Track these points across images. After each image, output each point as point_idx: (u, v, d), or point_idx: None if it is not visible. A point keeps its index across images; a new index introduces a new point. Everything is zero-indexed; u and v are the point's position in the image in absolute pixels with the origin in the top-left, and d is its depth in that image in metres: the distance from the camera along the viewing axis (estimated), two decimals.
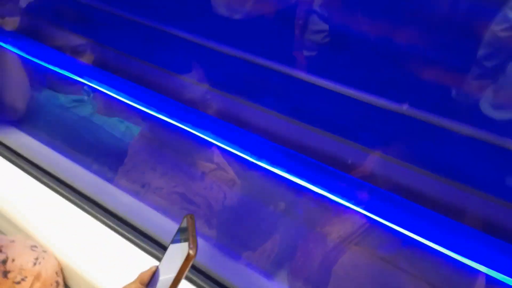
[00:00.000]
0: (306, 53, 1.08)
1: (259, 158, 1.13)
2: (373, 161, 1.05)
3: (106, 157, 1.35)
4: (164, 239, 1.07)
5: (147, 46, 1.36)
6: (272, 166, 1.10)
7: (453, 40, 0.88)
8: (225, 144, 1.19)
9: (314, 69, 1.06)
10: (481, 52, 0.87)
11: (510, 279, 0.80)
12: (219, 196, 1.13)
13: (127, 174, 1.28)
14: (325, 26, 1.04)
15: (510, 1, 0.79)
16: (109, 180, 1.29)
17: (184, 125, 1.25)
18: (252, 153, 1.14)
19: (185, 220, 0.65)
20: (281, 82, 1.13)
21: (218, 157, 1.18)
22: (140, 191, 1.25)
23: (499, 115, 0.88)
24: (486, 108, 0.90)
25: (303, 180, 1.05)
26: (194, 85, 1.30)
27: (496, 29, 0.83)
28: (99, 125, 1.38)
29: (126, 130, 1.31)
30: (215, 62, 1.24)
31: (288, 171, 1.08)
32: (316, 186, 1.03)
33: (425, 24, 0.89)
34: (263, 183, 1.10)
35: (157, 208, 1.21)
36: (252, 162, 1.13)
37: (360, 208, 0.99)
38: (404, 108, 0.97)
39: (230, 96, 1.24)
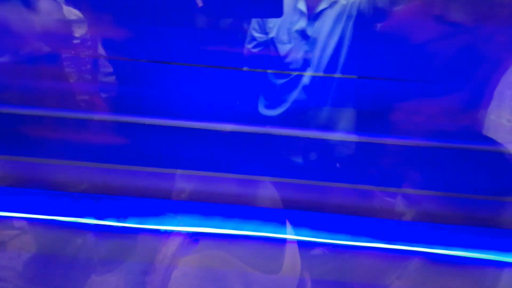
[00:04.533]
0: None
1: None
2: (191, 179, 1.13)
3: None
4: None
5: None
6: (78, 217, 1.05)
7: None
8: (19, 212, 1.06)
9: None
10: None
11: None
12: (30, 261, 0.98)
13: None
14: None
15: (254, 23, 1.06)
16: None
17: None
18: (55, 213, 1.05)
19: None
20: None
21: (19, 222, 1.04)
22: None
23: (270, 113, 1.13)
24: (263, 110, 1.14)
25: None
26: None
27: (248, 46, 1.09)
28: None
29: None
30: None
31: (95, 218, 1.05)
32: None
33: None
34: (72, 234, 1.03)
35: None
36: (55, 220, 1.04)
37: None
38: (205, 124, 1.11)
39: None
